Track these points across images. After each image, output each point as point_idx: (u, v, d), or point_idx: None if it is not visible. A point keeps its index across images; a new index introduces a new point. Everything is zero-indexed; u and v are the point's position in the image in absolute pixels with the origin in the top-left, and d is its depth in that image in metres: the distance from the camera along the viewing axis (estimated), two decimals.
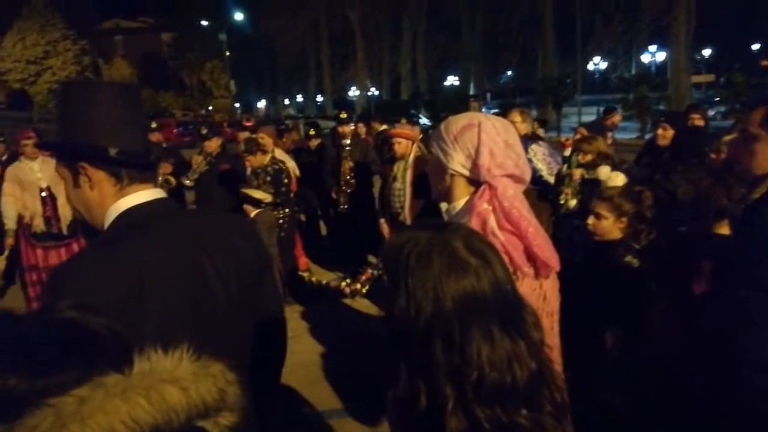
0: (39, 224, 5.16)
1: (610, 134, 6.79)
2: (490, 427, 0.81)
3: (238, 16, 39.05)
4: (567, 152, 4.63)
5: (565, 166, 4.12)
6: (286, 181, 5.20)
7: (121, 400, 0.59)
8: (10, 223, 5.18)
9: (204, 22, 41.40)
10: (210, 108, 44.17)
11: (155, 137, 6.65)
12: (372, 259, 6.15)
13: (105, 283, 1.15)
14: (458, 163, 1.43)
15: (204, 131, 6.64)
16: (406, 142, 4.76)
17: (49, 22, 35.12)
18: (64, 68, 35.59)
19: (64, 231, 5.29)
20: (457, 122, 1.45)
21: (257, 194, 5.12)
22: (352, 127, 6.10)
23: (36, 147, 5.07)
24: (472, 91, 36.63)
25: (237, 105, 46.77)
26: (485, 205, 1.36)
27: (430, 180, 1.60)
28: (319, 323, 5.03)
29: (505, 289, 0.91)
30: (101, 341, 0.70)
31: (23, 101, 33.73)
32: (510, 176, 1.40)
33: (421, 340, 0.88)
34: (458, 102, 30.52)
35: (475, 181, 1.43)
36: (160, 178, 5.75)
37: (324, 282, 5.87)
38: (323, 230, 7.56)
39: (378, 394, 3.24)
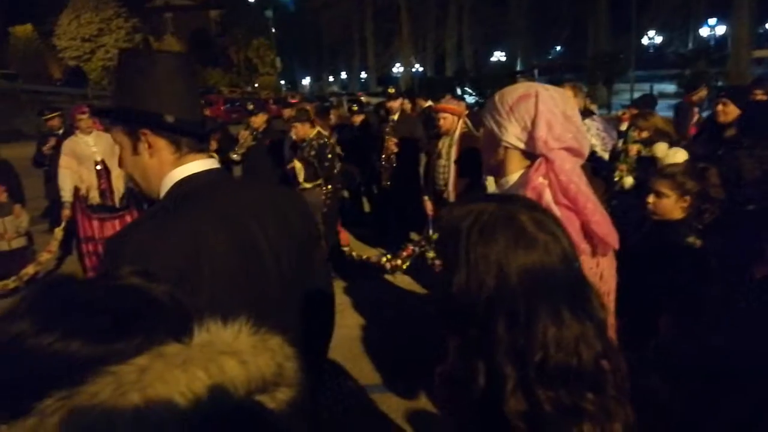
0: (94, 197, 5.34)
1: (696, 110, 5.84)
2: (552, 409, 0.78)
3: None
4: (624, 127, 4.44)
5: (621, 142, 3.95)
6: (329, 156, 5.20)
7: (181, 371, 0.58)
8: (67, 195, 5.37)
9: None
10: (256, 85, 44.60)
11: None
12: (414, 236, 6.13)
13: (163, 251, 1.15)
14: (513, 135, 1.37)
15: (250, 107, 6.70)
16: (452, 118, 4.67)
17: (103, 1, 36.05)
18: (117, 45, 36.49)
19: (118, 203, 5.46)
20: (513, 92, 1.39)
21: (300, 176, 5.17)
22: (400, 102, 6.02)
23: (95, 115, 5.22)
24: (519, 68, 35.74)
25: (282, 82, 47.10)
26: (541, 179, 1.30)
27: (482, 153, 1.54)
28: (360, 299, 5.05)
29: (573, 266, 0.86)
30: (162, 309, 0.69)
31: (79, 78, 34.85)
32: (568, 149, 1.34)
33: (482, 317, 0.84)
34: (504, 79, 29.86)
35: (530, 155, 1.37)
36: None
37: (365, 257, 5.90)
38: (366, 207, 7.58)
39: (417, 370, 3.25)
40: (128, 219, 5.62)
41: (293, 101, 9.50)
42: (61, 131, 6.37)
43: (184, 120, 1.30)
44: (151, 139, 1.27)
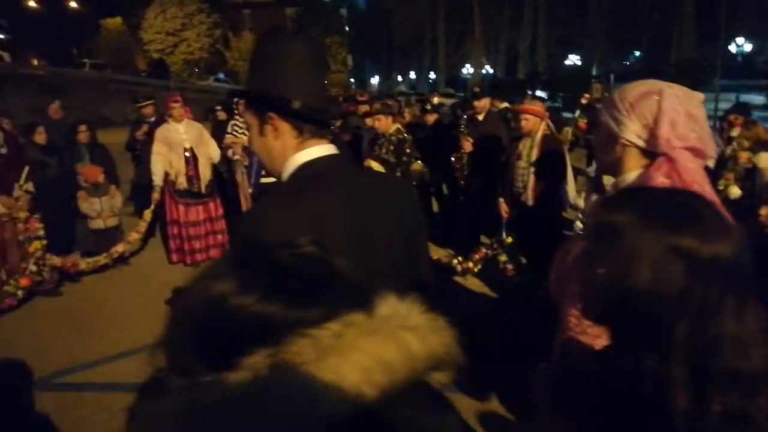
0: (182, 182, 5.61)
1: None
2: (721, 412, 0.75)
3: None
4: (735, 132, 4.15)
5: (730, 148, 3.74)
6: (408, 151, 5.25)
7: (372, 341, 0.60)
8: (158, 180, 5.68)
9: None
10: (325, 82, 45.33)
11: None
12: (484, 238, 6.07)
13: (295, 226, 1.20)
14: (633, 132, 1.35)
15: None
16: (534, 119, 4.61)
17: None
18: (198, 40, 38.18)
19: (203, 190, 5.72)
20: (635, 89, 1.37)
21: (374, 165, 5.23)
22: (486, 101, 5.97)
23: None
24: (594, 72, 34.67)
25: (351, 80, 47.70)
26: (662, 179, 1.28)
27: (597, 151, 1.53)
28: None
29: (749, 263, 0.81)
30: (344, 280, 0.71)
31: (161, 70, 36.63)
32: (691, 149, 1.31)
33: (648, 311, 0.80)
34: (579, 83, 29.01)
35: (649, 153, 1.34)
36: None
37: (435, 258, 5.89)
38: (435, 207, 7.57)
39: (489, 373, 3.23)
40: (211, 205, 5.89)
41: (362, 99, 9.65)
42: (153, 119, 6.72)
43: (309, 106, 1.34)
44: (276, 122, 1.32)
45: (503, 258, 5.06)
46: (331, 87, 42.85)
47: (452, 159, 5.78)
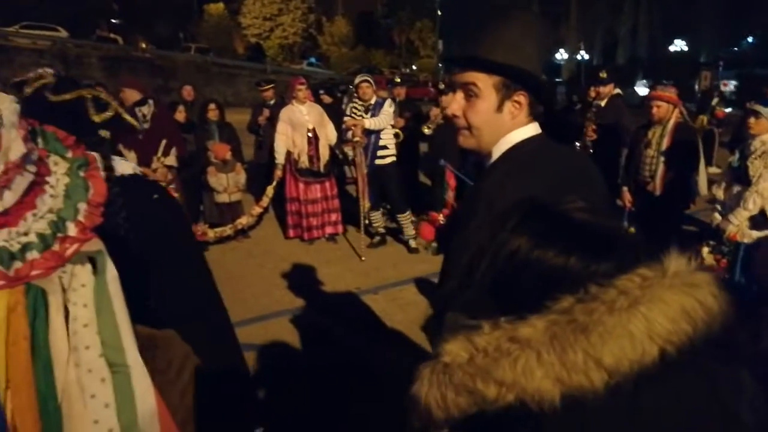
0: (303, 161, 5.90)
1: None
2: None
3: None
4: None
5: None
6: None
7: (674, 294, 0.63)
8: (280, 158, 6.00)
9: None
10: (414, 67, 45.29)
11: (397, 92, 7.08)
12: None
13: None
14: None
15: (441, 86, 6.93)
16: (666, 106, 4.46)
17: None
18: (293, 25, 39.30)
19: (322, 169, 5.99)
20: None
21: None
22: (610, 87, 5.81)
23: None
24: (702, 59, 32.44)
25: (440, 65, 47.33)
26: None
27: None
28: None
29: None
30: (626, 236, 0.76)
31: (258, 54, 38.06)
32: None
33: None
34: (685, 70, 27.31)
35: None
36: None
37: None
38: None
39: None
40: (328, 184, 6.15)
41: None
42: (272, 101, 7.08)
43: (544, 86, 1.37)
44: (522, 99, 1.32)
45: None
46: (419, 72, 42.82)
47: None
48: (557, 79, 32.12)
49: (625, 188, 4.88)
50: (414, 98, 8.32)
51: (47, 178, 0.88)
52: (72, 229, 0.87)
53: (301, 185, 6.02)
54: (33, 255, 0.82)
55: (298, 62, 38.94)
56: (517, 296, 0.70)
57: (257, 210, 6.36)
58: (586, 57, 42.07)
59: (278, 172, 6.05)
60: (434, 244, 5.62)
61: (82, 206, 0.89)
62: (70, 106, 1.53)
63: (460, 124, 1.40)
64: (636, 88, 26.53)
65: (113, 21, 38.50)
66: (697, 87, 22.89)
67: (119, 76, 20.27)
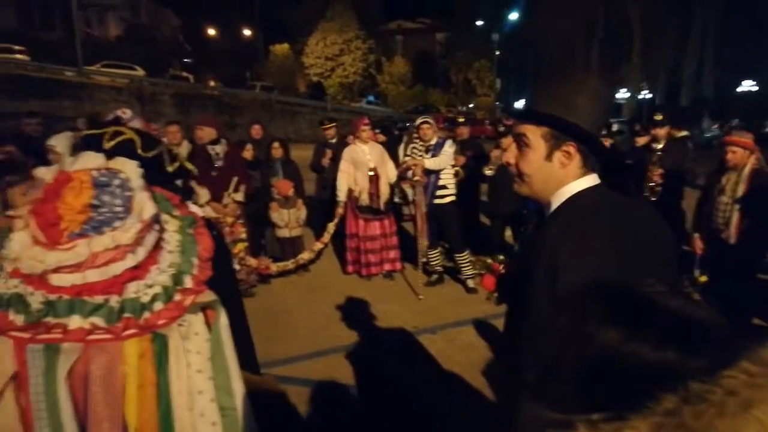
0: (364, 199, 6.02)
1: None
2: None
3: (513, 16, 39.57)
4: None
5: None
6: None
7: None
8: (342, 196, 6.14)
9: (479, 22, 42.99)
10: (471, 105, 45.60)
11: (460, 131, 7.15)
12: None
13: (598, 266, 1.24)
14: None
15: (501, 129, 6.97)
16: (742, 152, 4.32)
17: (347, 24, 40.33)
18: (353, 65, 40.57)
19: (382, 207, 6.08)
20: None
21: None
22: (666, 130, 5.71)
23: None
24: None
25: (497, 103, 47.51)
26: None
27: None
28: None
29: None
30: (719, 326, 0.68)
31: (319, 92, 39.37)
32: None
33: None
34: (754, 110, 26.30)
35: None
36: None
37: None
38: None
39: None
40: (386, 222, 6.24)
41: (508, 123, 9.64)
42: (334, 140, 7.29)
43: (596, 140, 1.43)
44: (571, 151, 1.40)
45: (696, 297, 4.75)
46: (476, 110, 43.07)
47: (644, 191, 5.53)
48: (621, 119, 31.50)
49: (696, 235, 4.72)
50: (473, 136, 8.36)
51: (164, 235, 0.98)
52: (189, 282, 0.95)
53: (361, 222, 6.13)
54: (159, 305, 0.90)
55: (358, 100, 39.96)
56: (610, 393, 0.65)
57: (318, 246, 6.50)
58: (648, 96, 41.23)
59: (340, 210, 6.19)
60: (495, 294, 5.57)
61: (195, 261, 0.98)
62: (150, 160, 1.64)
63: (513, 172, 1.50)
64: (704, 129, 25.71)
65: (186, 60, 40.79)
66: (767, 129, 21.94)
67: (189, 113, 21.45)
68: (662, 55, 39.32)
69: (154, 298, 0.89)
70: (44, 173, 0.87)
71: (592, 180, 1.43)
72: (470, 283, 5.93)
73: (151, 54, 33.40)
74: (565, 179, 1.42)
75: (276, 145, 6.65)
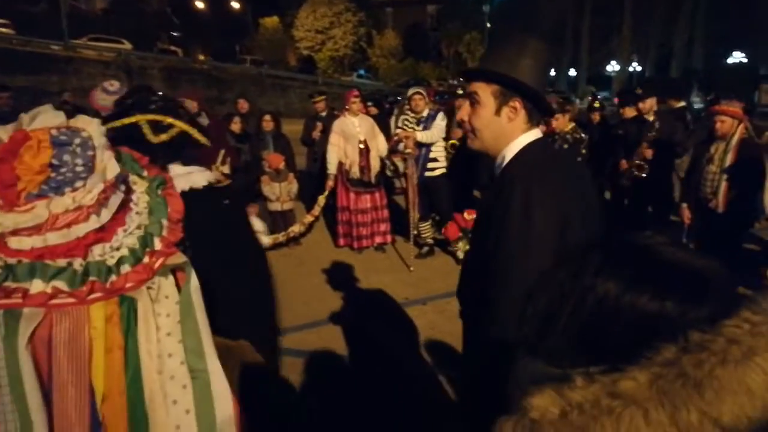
0: (354, 172, 5.98)
1: None
2: None
3: None
4: None
5: None
6: (583, 152, 5.16)
7: None
8: (332, 169, 6.10)
9: None
10: (461, 79, 45.22)
11: (459, 103, 7.07)
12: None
13: (550, 209, 1.40)
14: None
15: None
16: (730, 121, 4.32)
17: None
18: (344, 38, 39.94)
19: (372, 180, 6.05)
20: None
21: None
22: (652, 101, 5.65)
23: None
24: (763, 71, 31.12)
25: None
26: None
27: None
28: None
29: None
30: (719, 275, 0.67)
31: (309, 66, 38.87)
32: None
33: None
34: (742, 83, 26.24)
35: None
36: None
37: None
38: None
39: None
40: (377, 195, 6.21)
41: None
42: (324, 113, 7.21)
43: (541, 96, 1.55)
44: (517, 106, 1.53)
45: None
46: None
47: (624, 164, 5.49)
48: (603, 93, 31.44)
49: (684, 205, 4.74)
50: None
51: (132, 196, 0.95)
52: (158, 244, 0.93)
53: (352, 195, 6.10)
54: (126, 268, 0.87)
55: (348, 74, 39.50)
56: (608, 345, 0.65)
57: (309, 219, 6.47)
58: (638, 68, 41.05)
59: (330, 183, 6.15)
60: (460, 243, 5.61)
61: (164, 222, 0.96)
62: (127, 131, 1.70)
63: (466, 128, 1.66)
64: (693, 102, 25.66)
65: (174, 34, 40.07)
66: (757, 100, 22.01)
67: (179, 87, 21.11)
68: (652, 27, 39.03)
69: (121, 261, 0.86)
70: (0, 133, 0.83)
71: (536, 134, 1.58)
72: (460, 254, 5.94)
73: (138, 27, 32.75)
74: (513, 133, 1.55)
75: (267, 118, 6.57)
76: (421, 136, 5.70)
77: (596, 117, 7.07)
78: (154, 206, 0.95)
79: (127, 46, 28.19)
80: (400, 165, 6.42)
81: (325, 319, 4.61)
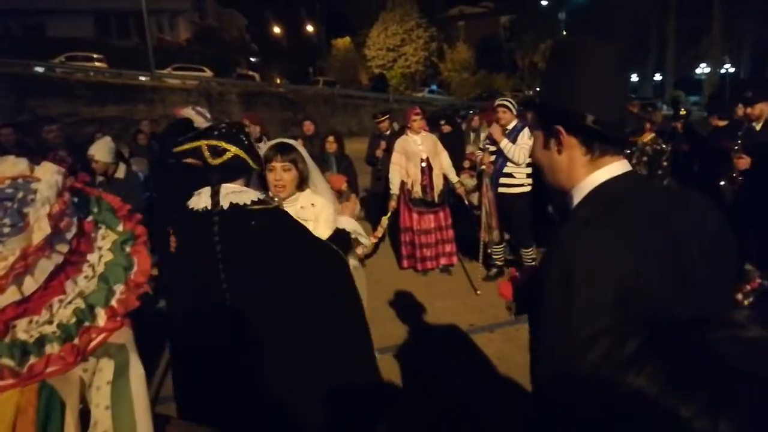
0: (417, 191, 5.80)
1: None
2: None
3: None
4: None
5: None
6: (665, 164, 4.71)
7: None
8: (395, 188, 5.95)
9: (544, 2, 41.40)
10: (537, 89, 44.14)
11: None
12: (749, 266, 5.18)
13: (610, 264, 1.06)
14: None
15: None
16: None
17: (407, 13, 39.92)
18: (415, 54, 40.12)
19: (436, 199, 5.84)
20: None
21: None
22: (760, 107, 5.07)
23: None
24: None
25: None
26: None
27: None
28: None
29: None
30: None
31: (381, 84, 39.26)
32: None
33: None
34: None
35: None
36: None
37: None
38: None
39: None
40: (442, 214, 6.00)
41: None
42: (388, 132, 7.10)
43: (603, 120, 1.19)
44: (563, 137, 1.22)
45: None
46: None
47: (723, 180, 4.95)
48: (693, 97, 29.52)
49: None
50: None
51: (88, 257, 0.80)
52: (101, 317, 0.77)
53: (415, 215, 5.92)
54: (52, 348, 0.72)
55: (420, 90, 39.53)
56: None
57: (373, 240, 6.33)
58: (731, 70, 38.38)
59: (392, 203, 6.00)
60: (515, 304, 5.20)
61: (119, 288, 0.80)
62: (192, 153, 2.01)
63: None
64: None
65: (252, 60, 41.79)
66: None
67: (255, 110, 21.91)
68: (746, 24, 36.41)
69: (44, 339, 0.71)
70: None
71: (619, 168, 1.23)
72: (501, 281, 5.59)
73: (219, 55, 34.41)
74: (573, 169, 1.25)
75: (330, 139, 6.54)
76: (505, 143, 5.31)
77: (678, 126, 6.52)
78: (111, 267, 0.80)
79: (208, 73, 29.64)
80: (469, 182, 6.17)
81: (385, 348, 4.42)
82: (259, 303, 2.04)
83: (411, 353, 4.33)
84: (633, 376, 0.49)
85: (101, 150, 4.61)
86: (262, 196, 2.06)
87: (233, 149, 1.97)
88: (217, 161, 1.95)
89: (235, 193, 1.98)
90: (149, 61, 26.02)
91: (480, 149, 5.67)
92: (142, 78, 25.32)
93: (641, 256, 1.08)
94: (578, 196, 1.25)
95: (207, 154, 1.95)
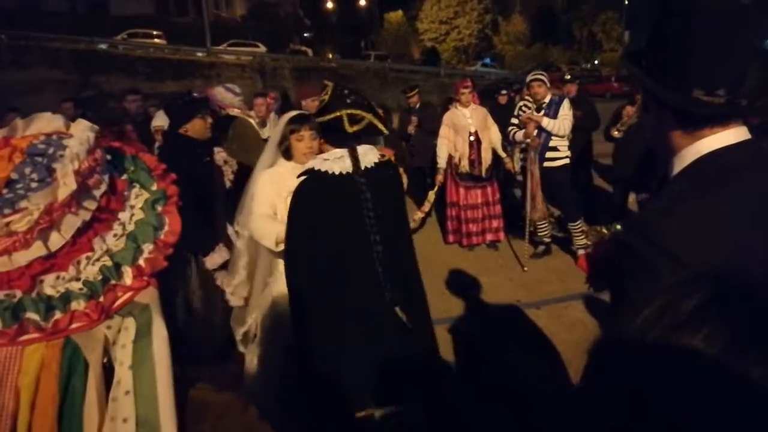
0: (464, 165, 5.71)
1: None
2: None
3: None
4: None
5: None
6: None
7: None
8: (442, 162, 5.87)
9: None
10: (596, 62, 42.39)
11: (568, 89, 6.55)
12: None
13: (701, 242, 0.95)
14: None
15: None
16: None
17: None
18: (468, 27, 39.24)
19: (483, 174, 5.74)
20: None
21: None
22: None
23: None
24: None
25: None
26: None
27: None
28: None
29: None
30: None
31: (432, 57, 38.66)
32: None
33: None
34: None
35: None
36: None
37: None
38: None
39: None
40: (489, 189, 5.89)
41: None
42: (417, 106, 7.10)
43: (697, 98, 1.03)
44: (656, 108, 1.12)
45: None
46: (602, 66, 39.99)
47: None
48: None
49: None
50: (595, 94, 7.66)
51: (119, 215, 0.80)
52: (128, 276, 0.77)
53: (462, 190, 5.83)
54: (77, 305, 0.72)
55: (473, 63, 38.71)
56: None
57: (419, 215, 6.32)
58: None
59: (440, 177, 5.93)
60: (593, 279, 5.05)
61: (147, 247, 0.80)
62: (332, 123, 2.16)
63: None
64: None
65: (305, 35, 41.91)
66: None
67: (307, 85, 22.01)
68: None
69: (69, 296, 0.72)
70: None
71: (729, 137, 1.05)
72: (582, 254, 5.44)
73: (273, 31, 34.66)
74: (671, 138, 1.10)
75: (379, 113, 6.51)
76: (547, 122, 5.21)
77: None
78: (142, 226, 0.80)
79: (262, 49, 29.92)
80: (516, 156, 6.02)
81: (433, 321, 4.43)
82: (400, 249, 2.33)
83: (457, 328, 4.31)
84: (688, 337, 0.46)
85: (161, 117, 4.78)
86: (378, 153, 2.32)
87: (368, 117, 2.14)
88: (355, 128, 2.12)
89: (368, 154, 2.21)
90: (206, 37, 26.47)
91: (515, 117, 5.50)
92: (199, 54, 25.83)
93: (739, 251, 0.95)
94: (678, 166, 1.10)
95: (346, 122, 2.12)
